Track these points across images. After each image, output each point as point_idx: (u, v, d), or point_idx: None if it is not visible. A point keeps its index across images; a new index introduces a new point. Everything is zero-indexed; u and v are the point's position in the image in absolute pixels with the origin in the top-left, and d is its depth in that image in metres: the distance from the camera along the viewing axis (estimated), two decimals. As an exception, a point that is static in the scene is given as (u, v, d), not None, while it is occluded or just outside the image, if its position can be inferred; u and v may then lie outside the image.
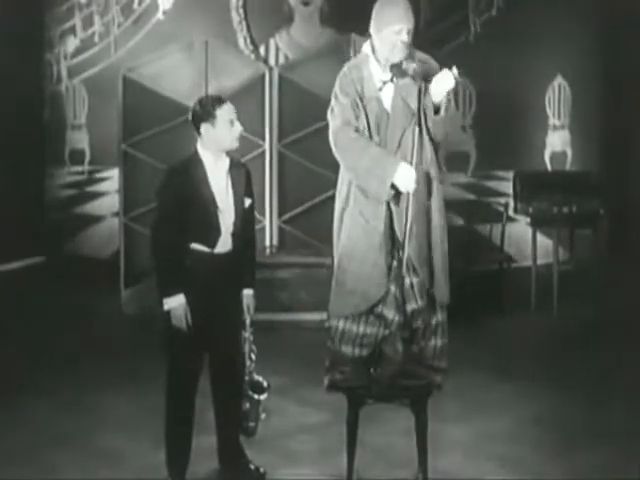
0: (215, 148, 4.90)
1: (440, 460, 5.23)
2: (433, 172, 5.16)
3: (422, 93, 5.03)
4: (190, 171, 4.88)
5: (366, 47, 5.21)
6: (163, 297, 4.86)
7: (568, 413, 6.20)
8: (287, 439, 5.76)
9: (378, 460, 5.37)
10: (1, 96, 10.58)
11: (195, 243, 4.88)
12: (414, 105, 5.06)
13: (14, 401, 6.43)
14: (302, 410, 6.26)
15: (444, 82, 4.96)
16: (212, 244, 4.90)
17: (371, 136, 5.10)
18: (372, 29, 5.14)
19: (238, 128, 4.91)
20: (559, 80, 10.86)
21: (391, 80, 5.13)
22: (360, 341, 5.17)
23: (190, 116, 4.93)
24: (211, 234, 4.89)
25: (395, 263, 5.10)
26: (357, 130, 5.08)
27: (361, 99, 5.10)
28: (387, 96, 5.13)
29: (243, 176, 5.03)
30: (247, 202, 5.03)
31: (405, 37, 5.03)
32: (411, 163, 4.98)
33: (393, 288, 5.11)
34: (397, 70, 5.09)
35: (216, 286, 4.91)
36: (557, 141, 10.94)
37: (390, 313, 5.12)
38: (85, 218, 11.16)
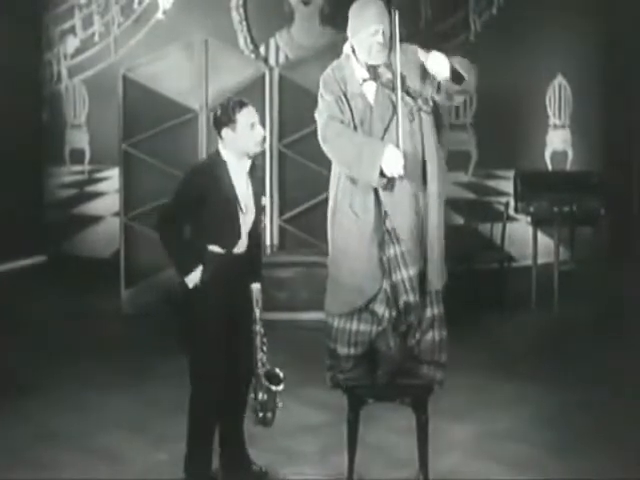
0: (237, 152, 4.90)
1: (441, 460, 5.23)
2: (433, 160, 5.15)
3: (403, 85, 5.05)
4: (214, 173, 4.88)
5: (346, 48, 5.26)
6: (184, 277, 4.89)
7: (568, 412, 6.19)
8: (287, 439, 5.75)
9: (379, 460, 5.36)
10: (1, 96, 10.57)
11: (213, 245, 4.89)
12: (395, 99, 5.08)
13: (14, 400, 6.43)
14: (302, 410, 6.25)
15: (439, 64, 4.97)
16: (231, 247, 4.93)
17: (356, 130, 5.14)
18: (349, 32, 5.18)
19: (260, 132, 4.93)
20: (560, 79, 10.86)
21: (373, 79, 5.15)
22: (355, 339, 5.16)
23: (212, 120, 4.94)
24: (231, 237, 4.93)
25: (385, 258, 5.10)
26: (342, 123, 5.12)
27: (345, 95, 5.15)
28: (370, 91, 5.18)
29: (259, 176, 5.07)
30: (263, 201, 5.07)
31: (380, 38, 5.05)
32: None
33: (384, 283, 5.11)
34: (373, 72, 5.12)
35: (232, 284, 4.95)
36: (558, 140, 10.94)
37: (380, 309, 5.11)
38: (85, 218, 11.16)
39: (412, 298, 5.10)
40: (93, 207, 11.17)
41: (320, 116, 5.21)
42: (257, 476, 5.15)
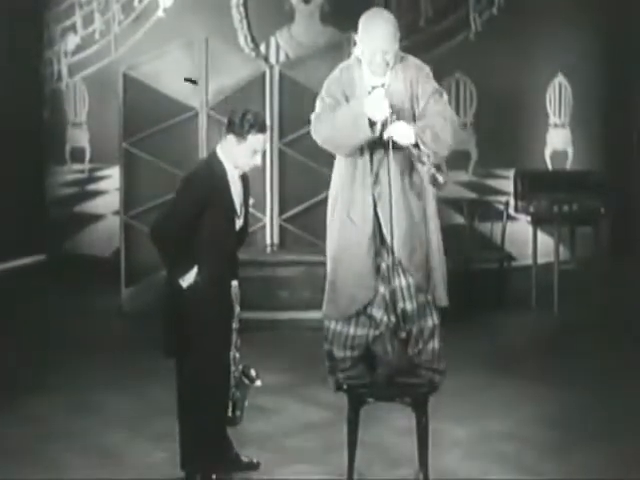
0: (228, 159, 4.92)
1: (441, 459, 5.23)
2: (425, 177, 5.16)
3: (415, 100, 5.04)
4: (215, 179, 4.89)
5: (357, 50, 5.21)
6: (178, 278, 4.88)
7: (568, 412, 6.19)
8: (288, 438, 5.75)
9: (379, 459, 5.36)
10: (1, 94, 10.57)
11: (210, 249, 4.89)
12: (404, 111, 5.05)
13: (15, 400, 6.43)
14: (303, 409, 6.26)
15: (402, 136, 4.94)
16: (225, 249, 4.96)
17: None
18: (357, 38, 5.14)
19: (257, 161, 4.96)
20: (560, 78, 10.86)
21: (381, 85, 5.11)
22: (351, 343, 5.18)
23: (228, 118, 4.94)
24: (227, 241, 4.95)
25: (384, 265, 5.10)
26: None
27: (347, 101, 5.10)
28: None
29: (247, 179, 5.10)
30: (251, 201, 5.09)
31: (379, 58, 5.00)
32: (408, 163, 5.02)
33: (382, 289, 5.11)
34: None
35: (221, 284, 4.97)
36: (558, 140, 10.94)
37: (379, 314, 5.12)
38: (85, 216, 11.17)
39: (409, 306, 5.12)
40: (94, 205, 11.18)
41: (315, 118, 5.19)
42: (248, 467, 5.19)
